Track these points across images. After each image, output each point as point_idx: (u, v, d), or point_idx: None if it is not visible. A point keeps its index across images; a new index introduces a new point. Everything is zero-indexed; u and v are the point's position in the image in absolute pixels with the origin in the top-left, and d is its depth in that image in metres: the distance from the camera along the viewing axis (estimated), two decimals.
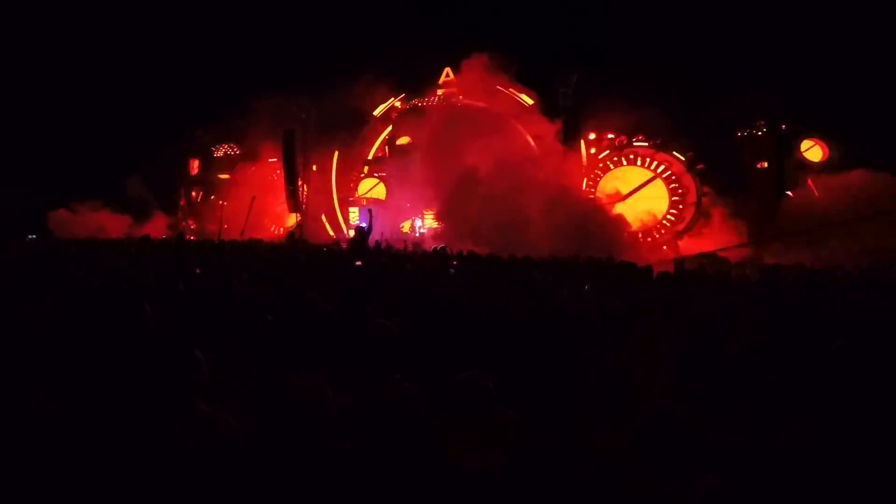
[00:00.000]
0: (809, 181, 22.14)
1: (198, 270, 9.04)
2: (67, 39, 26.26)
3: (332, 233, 24.46)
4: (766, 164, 20.98)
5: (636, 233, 23.79)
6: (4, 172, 24.83)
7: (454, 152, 22.03)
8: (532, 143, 24.40)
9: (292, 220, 25.72)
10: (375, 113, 27.23)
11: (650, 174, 24.60)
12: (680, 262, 18.19)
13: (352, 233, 17.79)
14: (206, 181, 29.62)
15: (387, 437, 2.51)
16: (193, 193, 29.89)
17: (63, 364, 3.11)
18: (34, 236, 21.40)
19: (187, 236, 23.74)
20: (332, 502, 2.15)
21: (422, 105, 26.88)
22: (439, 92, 26.81)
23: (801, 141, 23.59)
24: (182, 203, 29.81)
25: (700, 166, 23.86)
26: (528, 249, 13.93)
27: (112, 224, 24.77)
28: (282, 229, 26.68)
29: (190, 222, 28.80)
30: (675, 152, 24.41)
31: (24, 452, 2.11)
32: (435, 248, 15.87)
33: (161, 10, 27.13)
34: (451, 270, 10.13)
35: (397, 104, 27.17)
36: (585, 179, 24.78)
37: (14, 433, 2.16)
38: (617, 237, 21.25)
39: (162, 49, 26.76)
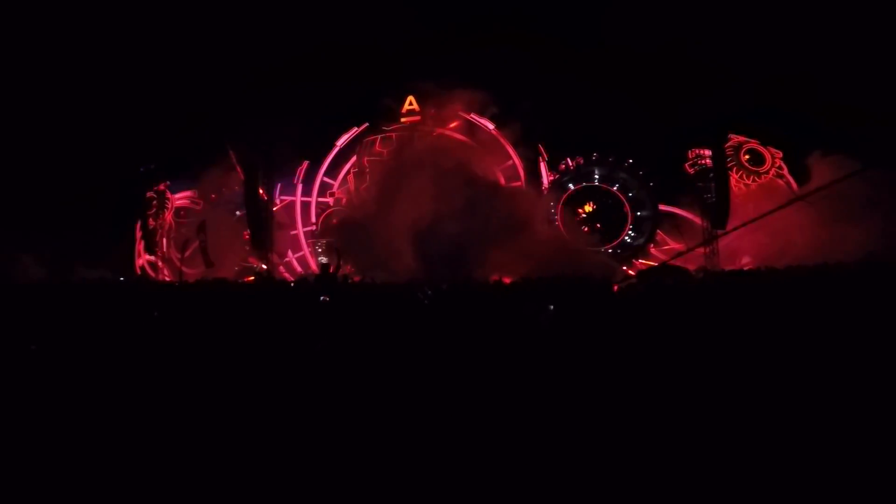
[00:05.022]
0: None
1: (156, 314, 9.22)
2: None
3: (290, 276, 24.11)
4: (713, 176, 23.20)
5: (598, 250, 24.57)
6: None
7: (413, 181, 22.06)
8: (494, 169, 25.08)
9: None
10: (339, 143, 27.64)
11: (609, 192, 25.64)
12: (642, 274, 18.91)
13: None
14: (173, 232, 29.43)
15: None
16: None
17: None
18: None
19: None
20: None
21: (385, 134, 27.27)
22: (402, 120, 27.32)
23: (745, 150, 25.56)
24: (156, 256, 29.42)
25: (652, 182, 25.25)
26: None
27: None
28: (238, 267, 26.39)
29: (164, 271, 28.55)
30: (629, 168, 25.60)
31: None
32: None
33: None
34: (425, 301, 10.35)
35: (361, 134, 27.56)
36: (548, 201, 25.49)
37: None
38: (579, 256, 21.87)
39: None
